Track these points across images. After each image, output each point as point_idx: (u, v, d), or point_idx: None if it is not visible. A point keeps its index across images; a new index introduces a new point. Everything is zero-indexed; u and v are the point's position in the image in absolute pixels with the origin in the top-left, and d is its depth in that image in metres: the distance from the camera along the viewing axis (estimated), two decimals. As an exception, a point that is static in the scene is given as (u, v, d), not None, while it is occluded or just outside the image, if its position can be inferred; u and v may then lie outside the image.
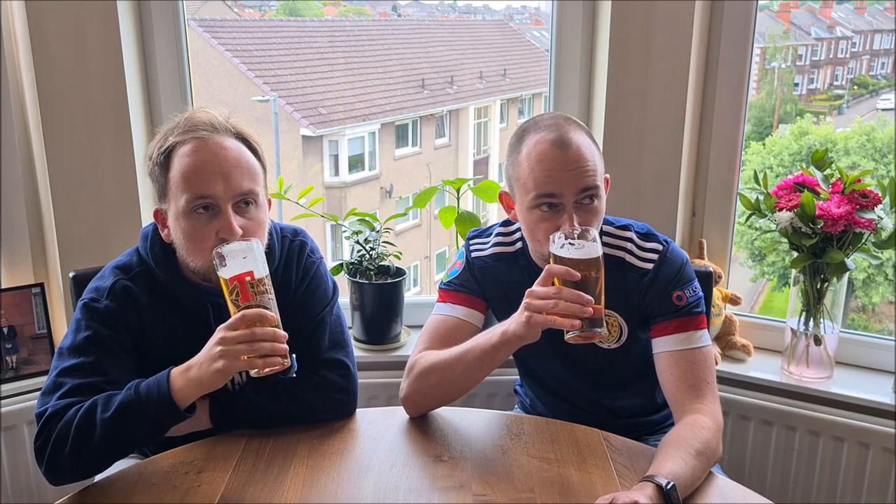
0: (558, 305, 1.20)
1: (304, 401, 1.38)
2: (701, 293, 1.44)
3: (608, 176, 1.44)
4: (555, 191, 1.33)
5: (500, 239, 1.54)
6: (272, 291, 1.23)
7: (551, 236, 1.25)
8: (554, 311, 1.21)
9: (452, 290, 1.53)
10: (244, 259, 1.20)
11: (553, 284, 1.24)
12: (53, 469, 1.23)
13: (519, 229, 1.51)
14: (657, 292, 1.42)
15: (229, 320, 1.19)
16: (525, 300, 1.25)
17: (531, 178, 1.35)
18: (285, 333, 1.20)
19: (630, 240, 1.45)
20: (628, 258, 1.44)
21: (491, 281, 1.52)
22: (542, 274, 1.26)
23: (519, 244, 1.51)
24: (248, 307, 1.19)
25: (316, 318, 1.45)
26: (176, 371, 1.22)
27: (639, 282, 1.42)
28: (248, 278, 1.19)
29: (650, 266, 1.42)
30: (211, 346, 1.19)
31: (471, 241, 1.57)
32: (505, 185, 1.46)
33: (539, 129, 1.38)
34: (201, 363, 1.20)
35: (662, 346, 1.41)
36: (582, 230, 1.25)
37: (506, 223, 1.56)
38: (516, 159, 1.40)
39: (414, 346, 1.52)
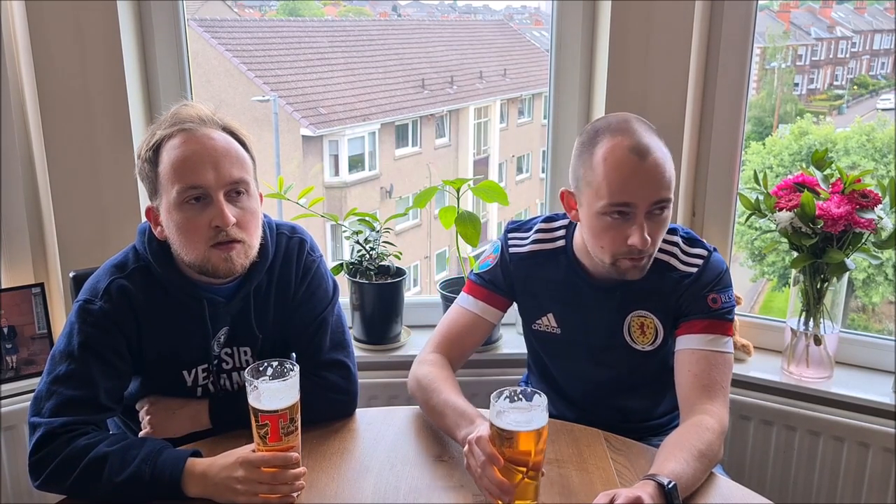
0: (482, 480, 1.15)
1: (305, 401, 1.38)
2: (735, 303, 1.46)
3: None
4: (630, 200, 1.32)
5: (539, 235, 1.53)
6: (299, 418, 1.22)
7: (492, 396, 1.14)
8: (479, 482, 1.16)
9: (479, 283, 1.56)
10: (280, 399, 1.18)
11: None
12: (48, 488, 1.23)
13: (562, 227, 1.51)
14: (693, 293, 1.42)
15: (257, 457, 1.18)
16: (466, 446, 1.19)
17: (605, 184, 1.33)
18: (304, 470, 1.21)
19: (676, 244, 1.46)
20: (673, 262, 1.44)
21: (524, 277, 1.52)
22: (481, 440, 1.15)
23: (561, 241, 1.51)
24: (274, 447, 1.19)
25: (317, 318, 1.45)
26: (193, 470, 1.20)
27: (679, 283, 1.43)
28: (281, 421, 1.18)
29: (694, 270, 1.43)
30: (232, 473, 1.18)
31: (509, 235, 1.56)
32: (571, 184, 1.43)
33: (615, 133, 1.35)
34: (219, 482, 1.18)
35: (687, 343, 1.41)
36: (530, 391, 1.15)
37: (548, 219, 1.55)
38: (590, 161, 1.36)
39: (429, 337, 1.56)
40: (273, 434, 1.19)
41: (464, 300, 1.56)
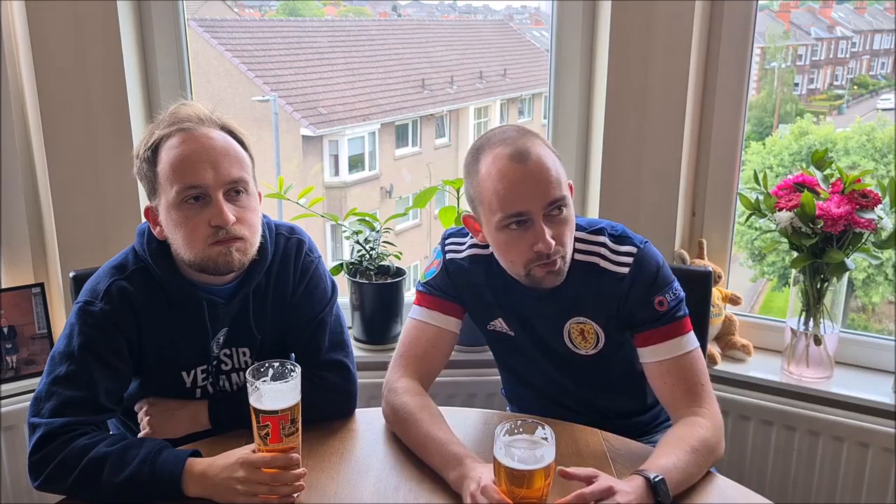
0: None
1: (304, 401, 1.38)
2: (682, 294, 1.40)
3: (571, 182, 1.38)
4: (522, 209, 1.29)
5: (476, 240, 1.49)
6: (300, 420, 1.22)
7: (496, 431, 1.11)
8: None
9: (429, 293, 1.50)
10: (282, 400, 1.18)
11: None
12: (47, 488, 1.23)
13: None
14: (637, 299, 1.37)
15: (257, 458, 1.18)
16: (469, 499, 1.14)
17: (495, 197, 1.30)
18: (304, 471, 1.21)
19: (603, 244, 1.40)
20: (602, 263, 1.39)
21: (466, 283, 1.49)
22: (487, 491, 1.11)
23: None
24: (275, 448, 1.19)
25: (316, 318, 1.45)
26: (193, 470, 1.20)
27: (616, 287, 1.38)
28: (282, 421, 1.18)
29: (625, 270, 1.37)
30: (232, 473, 1.18)
31: (446, 242, 1.53)
32: (468, 208, 1.42)
33: (494, 145, 1.33)
34: (219, 482, 1.18)
35: (651, 357, 1.38)
36: (531, 422, 1.13)
37: None
38: (476, 179, 1.34)
39: (393, 357, 1.49)
40: (274, 435, 1.19)
41: (418, 313, 1.49)
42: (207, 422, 1.38)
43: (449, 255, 1.51)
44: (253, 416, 1.19)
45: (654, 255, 1.41)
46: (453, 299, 1.50)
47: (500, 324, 1.51)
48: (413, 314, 1.50)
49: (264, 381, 1.19)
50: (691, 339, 1.38)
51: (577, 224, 1.40)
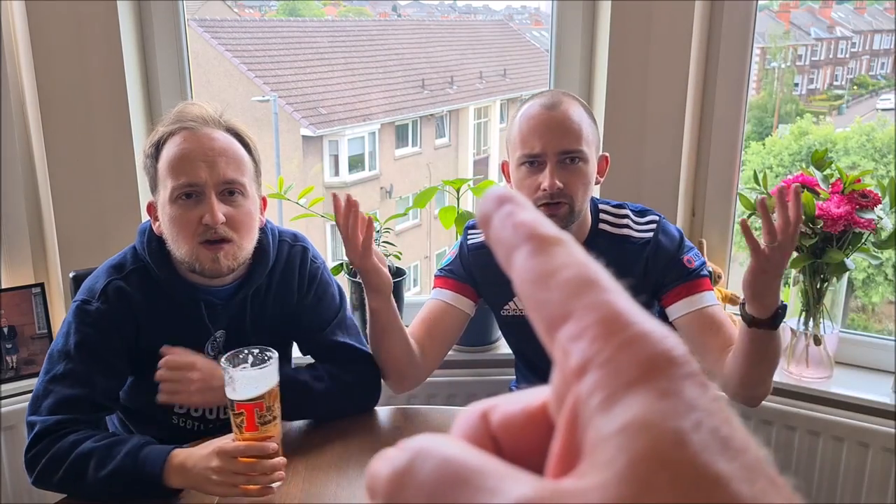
0: None
1: (336, 401, 1.40)
2: (703, 258, 1.52)
3: (607, 154, 1.49)
4: (538, 150, 1.38)
5: None
6: (278, 408, 1.20)
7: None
8: None
9: (442, 276, 1.60)
10: (255, 387, 1.16)
11: None
12: (42, 485, 1.25)
13: None
14: (667, 259, 1.46)
15: (232, 447, 1.16)
16: None
17: (518, 136, 1.42)
18: (284, 460, 1.19)
19: (627, 216, 1.52)
20: (628, 232, 1.50)
21: (482, 266, 1.55)
22: None
23: None
24: (251, 437, 1.17)
25: (332, 321, 1.46)
26: (175, 462, 1.18)
27: (640, 253, 1.47)
28: (256, 409, 1.17)
29: (649, 235, 1.48)
30: (208, 464, 1.16)
31: (469, 231, 1.62)
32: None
33: (537, 97, 1.45)
34: (197, 473, 1.16)
35: (679, 311, 1.46)
36: None
37: None
38: (511, 123, 1.46)
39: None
40: (249, 423, 1.16)
41: (433, 293, 1.61)
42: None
43: (470, 242, 1.59)
44: (228, 405, 1.18)
45: (674, 226, 1.53)
46: (465, 281, 1.58)
47: (515, 304, 1.57)
48: (430, 296, 1.61)
49: (238, 368, 1.17)
50: (714, 296, 1.48)
51: (600, 200, 1.52)
